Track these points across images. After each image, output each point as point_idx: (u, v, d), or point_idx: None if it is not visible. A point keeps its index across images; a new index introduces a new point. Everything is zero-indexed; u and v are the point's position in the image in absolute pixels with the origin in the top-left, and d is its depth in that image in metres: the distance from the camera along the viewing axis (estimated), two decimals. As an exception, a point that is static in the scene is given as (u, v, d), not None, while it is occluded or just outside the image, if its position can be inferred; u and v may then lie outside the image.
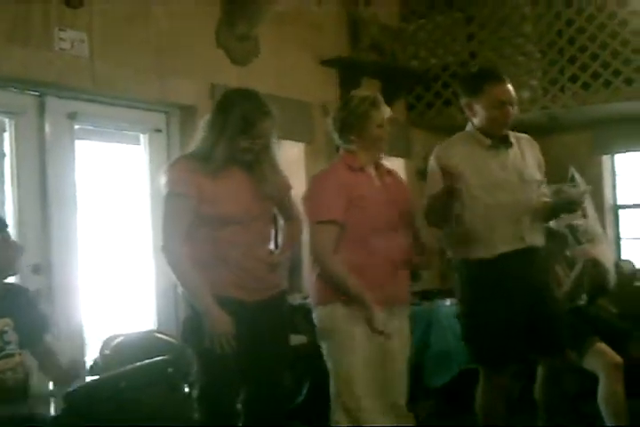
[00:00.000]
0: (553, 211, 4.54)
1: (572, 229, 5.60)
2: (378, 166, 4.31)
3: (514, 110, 4.40)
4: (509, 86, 4.39)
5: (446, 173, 4.06)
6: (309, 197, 4.21)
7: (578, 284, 5.30)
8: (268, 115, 3.84)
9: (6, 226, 3.78)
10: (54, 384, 4.14)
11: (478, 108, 4.39)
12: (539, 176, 4.53)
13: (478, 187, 4.32)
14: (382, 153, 4.33)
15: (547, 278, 4.58)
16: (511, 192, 4.35)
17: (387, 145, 4.30)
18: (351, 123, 4.19)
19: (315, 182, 4.27)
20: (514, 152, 4.46)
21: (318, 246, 4.10)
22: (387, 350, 4.14)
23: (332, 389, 4.16)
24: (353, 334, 4.05)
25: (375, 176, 4.26)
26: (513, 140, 4.48)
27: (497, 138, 4.43)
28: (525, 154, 4.50)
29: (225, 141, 3.78)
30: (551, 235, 5.13)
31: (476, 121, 4.44)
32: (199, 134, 3.90)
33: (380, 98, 4.29)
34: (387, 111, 4.24)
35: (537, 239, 4.47)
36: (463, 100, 4.50)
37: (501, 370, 4.41)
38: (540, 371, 4.73)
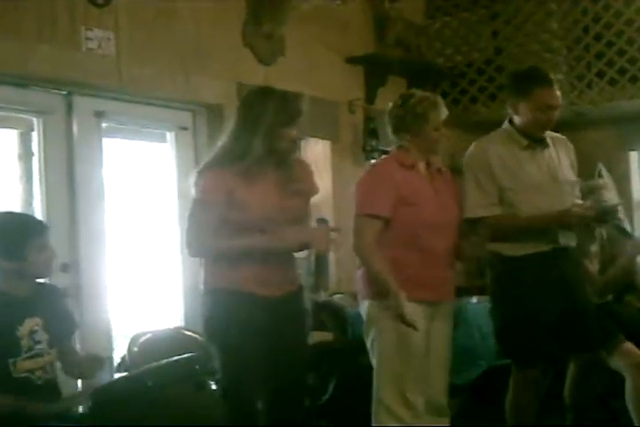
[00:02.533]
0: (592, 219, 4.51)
1: (619, 221, 5.60)
2: (429, 164, 4.32)
3: (557, 114, 4.41)
4: (557, 91, 4.40)
5: None
6: (358, 190, 4.26)
7: (624, 276, 5.33)
8: (302, 110, 3.83)
9: (48, 229, 3.82)
10: (75, 378, 4.17)
11: (523, 108, 4.38)
12: (573, 177, 4.53)
13: (512, 189, 4.33)
14: (435, 154, 4.35)
15: (580, 276, 4.57)
16: (546, 194, 4.35)
17: (441, 147, 4.33)
18: (408, 122, 4.20)
19: (366, 176, 4.32)
20: (549, 153, 4.46)
21: (359, 236, 4.16)
22: (428, 346, 4.18)
23: (375, 384, 4.19)
24: (397, 329, 4.07)
25: (425, 174, 4.28)
26: (549, 140, 4.47)
27: (534, 138, 4.42)
28: (560, 154, 4.50)
29: (263, 134, 3.73)
30: (580, 230, 5.14)
31: (517, 120, 4.44)
32: (228, 135, 3.85)
33: (440, 99, 4.31)
34: (444, 113, 4.24)
35: (570, 240, 4.47)
36: (509, 99, 4.49)
37: (533, 365, 4.41)
38: (570, 369, 4.72)
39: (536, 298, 4.30)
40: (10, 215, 4.00)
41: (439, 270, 4.21)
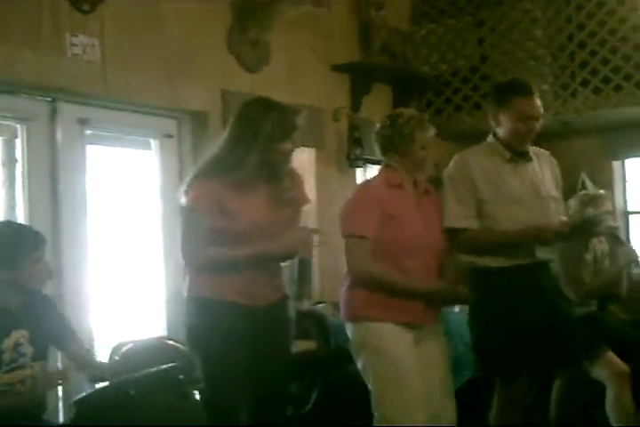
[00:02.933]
0: (571, 233, 4.47)
1: (613, 230, 5.64)
2: (417, 184, 4.30)
3: (538, 125, 4.39)
4: (538, 101, 4.38)
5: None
6: (345, 211, 4.24)
7: (610, 284, 5.38)
8: (298, 124, 3.83)
9: (44, 242, 3.79)
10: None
11: (504, 119, 4.36)
12: (555, 193, 4.50)
13: (493, 202, 4.31)
14: (422, 172, 4.35)
15: (559, 289, 4.57)
16: (526, 207, 4.32)
17: (428, 166, 4.34)
18: (395, 143, 4.20)
19: (352, 196, 4.28)
20: (532, 167, 4.43)
21: (353, 258, 4.13)
22: (422, 370, 4.15)
23: (376, 407, 4.14)
24: (390, 350, 4.08)
25: (413, 194, 4.27)
26: (533, 155, 4.45)
27: (517, 151, 4.40)
28: (544, 170, 4.48)
29: (259, 150, 3.72)
30: (575, 240, 5.18)
31: (499, 132, 4.42)
32: (222, 145, 3.82)
33: (426, 118, 4.30)
34: (431, 132, 4.24)
35: (549, 253, 4.46)
36: (490, 110, 4.47)
37: (513, 379, 4.40)
38: (557, 383, 4.72)
39: (513, 310, 4.28)
40: (6, 225, 3.99)
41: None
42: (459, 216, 4.32)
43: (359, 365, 4.20)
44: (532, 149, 4.49)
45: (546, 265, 4.44)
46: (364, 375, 4.19)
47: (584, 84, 7.28)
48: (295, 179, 4.02)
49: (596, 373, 4.99)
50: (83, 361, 3.96)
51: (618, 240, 5.65)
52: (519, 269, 4.32)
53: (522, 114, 4.32)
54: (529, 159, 4.43)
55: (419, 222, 4.19)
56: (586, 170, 7.35)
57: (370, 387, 4.16)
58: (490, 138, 4.48)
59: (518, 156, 4.40)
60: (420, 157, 4.23)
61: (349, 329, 4.23)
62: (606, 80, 7.18)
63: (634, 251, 5.97)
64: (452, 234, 4.32)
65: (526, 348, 4.30)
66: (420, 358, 4.15)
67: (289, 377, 4.09)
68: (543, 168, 4.48)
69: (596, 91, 7.24)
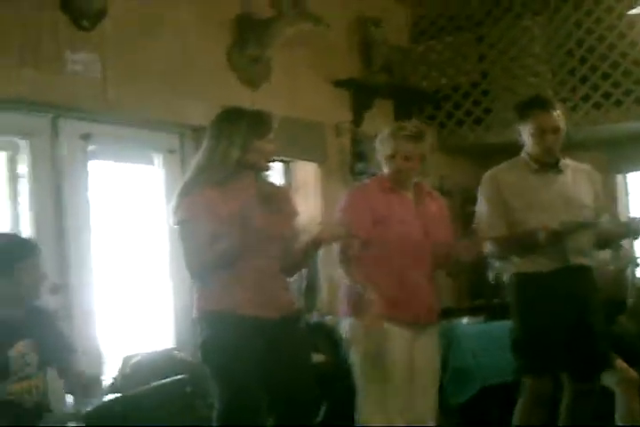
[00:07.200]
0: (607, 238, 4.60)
1: None
2: (418, 189, 4.37)
3: (558, 137, 4.47)
4: (555, 114, 4.47)
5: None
6: (338, 213, 4.31)
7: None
8: (273, 126, 3.90)
9: (37, 250, 3.78)
10: (71, 394, 4.11)
11: (525, 133, 4.50)
12: (589, 202, 4.55)
13: (520, 209, 4.41)
14: (409, 182, 4.36)
15: (592, 296, 4.56)
16: (553, 213, 4.37)
17: (413, 177, 4.34)
18: (379, 153, 4.33)
19: (345, 198, 4.37)
20: (563, 178, 4.51)
21: (340, 256, 4.19)
22: (414, 367, 4.19)
23: (358, 404, 4.19)
24: (380, 348, 4.08)
25: (411, 199, 4.33)
26: (567, 168, 4.53)
27: (546, 163, 4.49)
28: (579, 182, 4.55)
29: (239, 145, 3.79)
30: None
31: (526, 146, 4.53)
32: (205, 150, 3.88)
33: (420, 131, 4.31)
34: (419, 146, 4.26)
35: (584, 259, 4.51)
36: (516, 126, 4.58)
37: (543, 379, 4.40)
38: (567, 390, 4.70)
39: (546, 315, 4.35)
40: None
41: (414, 292, 4.22)
42: (489, 226, 4.46)
43: (350, 360, 4.25)
44: (570, 163, 4.58)
45: (581, 270, 4.48)
46: (354, 373, 4.23)
47: (585, 98, 7.29)
48: (283, 192, 4.15)
49: (606, 380, 4.98)
50: (74, 380, 3.89)
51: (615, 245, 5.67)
52: (554, 273, 4.39)
53: (537, 128, 4.43)
54: (558, 171, 4.50)
55: (413, 225, 4.25)
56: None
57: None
58: (522, 152, 4.58)
59: (546, 167, 4.48)
60: (403, 168, 4.25)
61: (342, 326, 4.29)
62: (607, 95, 7.19)
63: (631, 251, 5.99)
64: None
65: (557, 349, 4.35)
66: (411, 357, 4.19)
67: (314, 388, 4.01)
68: (578, 181, 4.55)
69: (597, 106, 7.25)
